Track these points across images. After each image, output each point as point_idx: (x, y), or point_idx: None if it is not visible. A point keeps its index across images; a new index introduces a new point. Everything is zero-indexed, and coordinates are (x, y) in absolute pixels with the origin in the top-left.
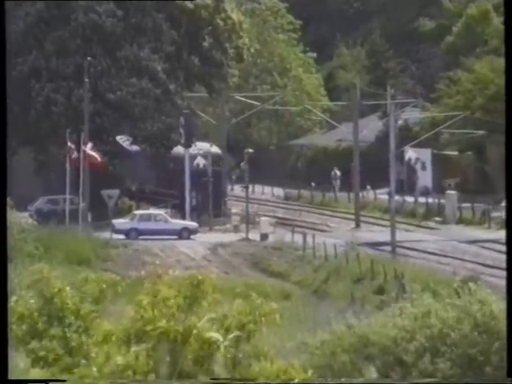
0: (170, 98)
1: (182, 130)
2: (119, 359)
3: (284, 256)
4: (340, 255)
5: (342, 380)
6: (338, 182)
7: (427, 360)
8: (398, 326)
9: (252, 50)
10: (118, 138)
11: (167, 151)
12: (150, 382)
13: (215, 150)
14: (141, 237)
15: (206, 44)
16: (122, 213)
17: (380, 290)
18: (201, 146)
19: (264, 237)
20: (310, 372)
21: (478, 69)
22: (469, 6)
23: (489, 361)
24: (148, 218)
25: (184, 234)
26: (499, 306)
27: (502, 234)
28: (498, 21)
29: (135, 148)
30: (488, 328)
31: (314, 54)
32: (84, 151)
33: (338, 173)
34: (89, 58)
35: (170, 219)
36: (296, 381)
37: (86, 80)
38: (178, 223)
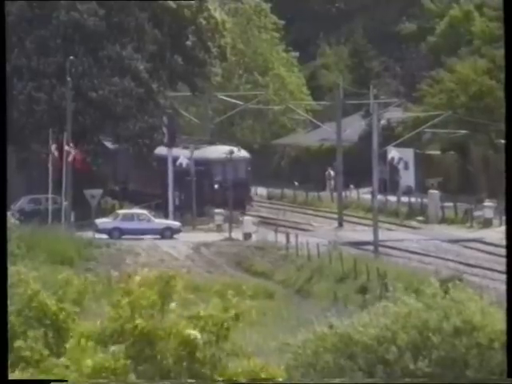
0: (152, 98)
1: (165, 130)
2: (98, 359)
3: (267, 255)
4: (323, 254)
5: (337, 380)
6: (332, 183)
7: (408, 359)
8: (380, 325)
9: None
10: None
11: (150, 151)
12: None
13: (243, 153)
14: (124, 236)
15: (189, 43)
16: (104, 212)
17: (363, 290)
18: (227, 150)
19: (247, 236)
20: (282, 367)
21: (460, 69)
22: (451, 6)
23: (469, 362)
24: (131, 217)
25: (167, 233)
26: (481, 306)
27: (484, 234)
28: (480, 21)
29: (118, 147)
30: (469, 329)
31: (297, 54)
32: (67, 151)
33: (333, 173)
34: (71, 57)
35: (152, 219)
36: (281, 380)
37: (69, 79)
38: (161, 223)
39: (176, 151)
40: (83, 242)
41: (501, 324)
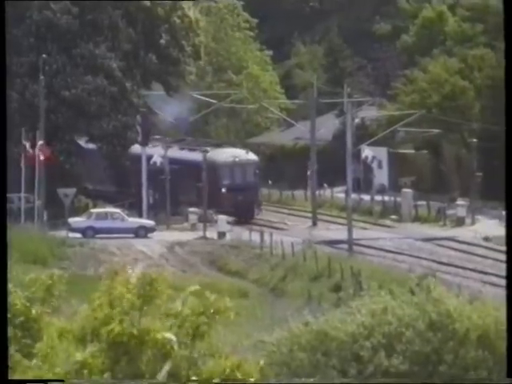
0: (126, 96)
1: (138, 129)
2: (73, 358)
3: (241, 254)
4: (297, 253)
5: (335, 380)
6: (312, 182)
7: (382, 356)
8: (356, 322)
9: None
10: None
11: (124, 149)
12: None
13: (251, 156)
14: (97, 235)
15: (163, 42)
16: (78, 211)
17: (337, 288)
18: (236, 153)
19: (221, 235)
20: (261, 362)
21: (433, 69)
22: (424, 6)
23: (443, 358)
24: (105, 216)
25: (141, 232)
26: (454, 304)
27: (456, 232)
28: (453, 21)
29: (91, 146)
30: (443, 326)
31: (271, 52)
32: (39, 149)
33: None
34: (44, 56)
35: (126, 217)
36: (273, 381)
37: (41, 77)
38: (135, 221)
39: (185, 154)
40: (56, 241)
41: (474, 320)
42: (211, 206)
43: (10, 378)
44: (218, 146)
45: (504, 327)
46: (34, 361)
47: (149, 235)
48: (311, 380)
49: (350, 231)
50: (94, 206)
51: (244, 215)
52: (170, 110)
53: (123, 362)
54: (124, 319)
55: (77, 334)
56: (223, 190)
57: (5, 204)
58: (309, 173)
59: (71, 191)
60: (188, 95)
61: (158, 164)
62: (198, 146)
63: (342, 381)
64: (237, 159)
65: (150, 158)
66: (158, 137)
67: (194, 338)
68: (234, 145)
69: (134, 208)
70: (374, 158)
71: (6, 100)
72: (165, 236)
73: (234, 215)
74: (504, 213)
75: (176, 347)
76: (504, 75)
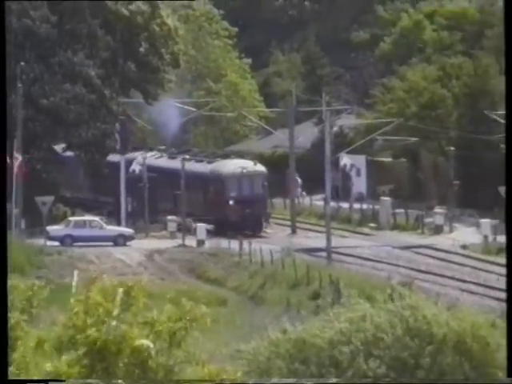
0: (105, 104)
1: (117, 136)
2: (48, 367)
3: (220, 262)
4: (276, 261)
5: (333, 380)
6: (299, 191)
7: (361, 361)
8: (334, 329)
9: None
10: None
11: (103, 157)
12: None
13: (259, 168)
14: (76, 243)
15: (142, 50)
16: (56, 219)
17: (316, 296)
18: (244, 164)
19: (200, 243)
20: (239, 373)
21: (410, 77)
22: (401, 15)
23: (420, 364)
24: (83, 224)
25: (119, 240)
26: (432, 311)
27: (434, 240)
28: (431, 29)
29: (70, 154)
30: (420, 332)
31: (250, 60)
32: (16, 157)
33: (300, 180)
34: (22, 63)
35: (105, 226)
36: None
37: (19, 85)
38: (114, 230)
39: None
40: (34, 249)
41: (451, 327)
42: (218, 219)
43: (9, 378)
44: (226, 156)
45: (481, 333)
46: (10, 368)
47: (127, 243)
48: (332, 380)
49: (328, 239)
50: (73, 214)
51: (252, 228)
52: (149, 117)
53: (99, 369)
54: (100, 327)
55: (53, 342)
56: (230, 202)
57: (4, 205)
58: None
59: (49, 199)
60: (167, 103)
61: (137, 172)
62: (205, 156)
63: (338, 381)
64: (244, 170)
65: (128, 165)
66: (163, 147)
67: (171, 346)
68: (242, 156)
69: (113, 216)
70: (352, 166)
71: (6, 100)
72: (143, 244)
73: (241, 228)
74: (481, 220)
75: (153, 354)
76: (504, 75)
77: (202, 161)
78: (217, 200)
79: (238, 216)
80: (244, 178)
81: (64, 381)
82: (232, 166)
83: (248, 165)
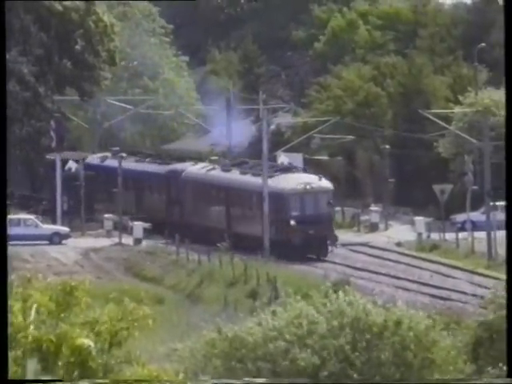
0: (39, 102)
1: (53, 134)
2: None
3: (158, 260)
4: (213, 259)
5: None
6: None
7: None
8: (269, 326)
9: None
10: None
11: (38, 155)
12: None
13: (325, 183)
14: (10, 242)
15: (77, 47)
16: None
17: (253, 294)
18: (307, 179)
19: (137, 241)
20: (181, 375)
21: (346, 75)
22: (334, 15)
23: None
24: (17, 222)
25: (55, 238)
26: (366, 308)
27: (370, 237)
28: (364, 29)
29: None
30: (353, 327)
31: (187, 58)
32: None
33: None
34: None
35: (40, 224)
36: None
37: None
38: (49, 228)
39: (245, 178)
40: None
41: (387, 322)
42: (278, 239)
43: (9, 378)
44: (287, 170)
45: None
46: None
47: (63, 242)
48: (303, 380)
49: (265, 237)
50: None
51: (316, 252)
52: (84, 115)
53: (39, 368)
54: (40, 326)
55: None
56: (292, 222)
57: (5, 204)
58: None
59: None
60: (102, 101)
61: (73, 170)
62: (260, 170)
63: (317, 380)
64: (308, 187)
65: (64, 164)
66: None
67: (111, 345)
68: (305, 170)
69: (48, 214)
70: (289, 164)
71: (6, 100)
72: (80, 242)
73: (304, 252)
74: (415, 218)
75: (94, 353)
76: (504, 75)
77: (259, 175)
78: (277, 219)
79: (300, 238)
80: (307, 195)
81: (62, 381)
82: (294, 181)
83: (312, 180)
